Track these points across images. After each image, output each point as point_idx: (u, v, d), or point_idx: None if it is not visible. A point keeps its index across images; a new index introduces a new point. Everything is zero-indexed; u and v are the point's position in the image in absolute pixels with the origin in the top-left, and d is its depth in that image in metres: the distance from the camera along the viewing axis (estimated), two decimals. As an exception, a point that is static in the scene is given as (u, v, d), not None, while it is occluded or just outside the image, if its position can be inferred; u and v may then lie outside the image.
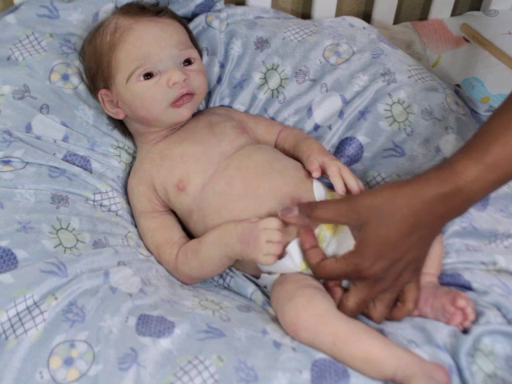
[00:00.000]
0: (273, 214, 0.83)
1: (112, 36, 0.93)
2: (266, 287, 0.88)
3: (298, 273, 0.82)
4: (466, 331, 0.75)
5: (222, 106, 1.09)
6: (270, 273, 0.85)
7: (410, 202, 0.73)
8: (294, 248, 0.82)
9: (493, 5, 1.36)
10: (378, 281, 0.75)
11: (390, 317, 0.79)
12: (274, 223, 0.80)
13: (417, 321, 0.78)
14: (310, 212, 0.78)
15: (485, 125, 0.75)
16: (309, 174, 0.90)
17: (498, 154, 0.72)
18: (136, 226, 0.95)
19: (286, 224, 0.82)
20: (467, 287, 0.81)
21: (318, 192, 0.88)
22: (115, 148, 1.01)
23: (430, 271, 0.82)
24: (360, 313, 0.79)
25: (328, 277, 0.79)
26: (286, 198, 0.85)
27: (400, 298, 0.78)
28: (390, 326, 0.77)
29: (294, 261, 0.82)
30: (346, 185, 0.86)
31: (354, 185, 0.86)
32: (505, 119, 0.73)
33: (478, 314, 0.76)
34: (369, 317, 0.79)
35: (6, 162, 0.90)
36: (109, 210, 0.94)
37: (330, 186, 0.90)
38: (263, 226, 0.81)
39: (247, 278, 0.90)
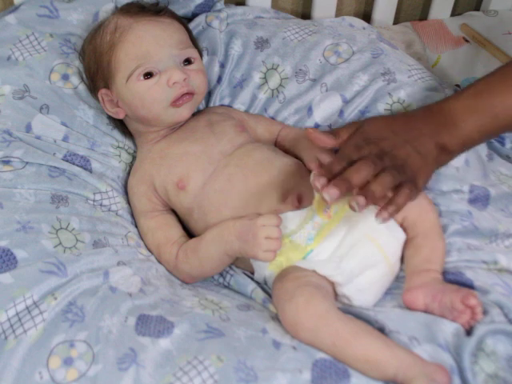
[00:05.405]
0: (273, 211, 0.83)
1: (112, 36, 0.93)
2: (266, 283, 0.87)
3: (297, 269, 0.81)
4: (468, 331, 0.75)
5: (221, 105, 1.08)
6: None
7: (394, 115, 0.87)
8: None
9: (493, 5, 1.36)
10: (380, 140, 0.78)
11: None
12: (272, 220, 0.80)
13: (421, 316, 0.77)
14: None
15: None
16: (309, 171, 0.90)
17: (479, 86, 0.84)
18: (136, 226, 0.95)
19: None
20: (469, 285, 0.81)
21: (319, 189, 0.88)
22: (115, 148, 1.01)
23: (433, 267, 0.82)
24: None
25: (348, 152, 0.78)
26: (286, 195, 0.84)
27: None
28: (392, 321, 0.76)
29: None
30: None
31: None
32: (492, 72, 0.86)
33: (483, 312, 0.76)
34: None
35: (6, 162, 0.90)
36: (109, 210, 0.93)
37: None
38: (262, 222, 0.80)
39: (247, 276, 0.89)
